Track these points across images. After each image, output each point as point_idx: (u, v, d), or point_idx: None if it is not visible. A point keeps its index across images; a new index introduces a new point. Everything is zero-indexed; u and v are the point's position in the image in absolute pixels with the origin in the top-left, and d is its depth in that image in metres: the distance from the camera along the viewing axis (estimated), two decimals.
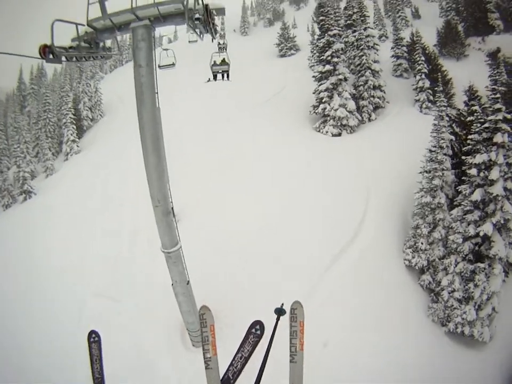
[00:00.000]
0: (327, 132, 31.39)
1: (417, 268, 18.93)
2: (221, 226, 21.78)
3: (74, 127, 44.72)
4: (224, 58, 17.44)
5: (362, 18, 37.31)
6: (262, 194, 23.70)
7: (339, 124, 31.44)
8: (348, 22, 38.71)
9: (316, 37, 47.23)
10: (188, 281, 13.79)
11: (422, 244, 18.88)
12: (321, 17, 34.46)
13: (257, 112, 35.35)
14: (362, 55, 34.70)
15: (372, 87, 33.70)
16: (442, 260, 18.43)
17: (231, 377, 4.34)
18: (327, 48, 33.06)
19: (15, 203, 37.16)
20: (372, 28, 37.81)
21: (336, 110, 31.38)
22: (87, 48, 10.16)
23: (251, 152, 28.38)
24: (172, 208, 11.80)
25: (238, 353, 4.51)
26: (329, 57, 32.71)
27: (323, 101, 32.31)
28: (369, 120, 33.06)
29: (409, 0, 66.45)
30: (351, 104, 31.88)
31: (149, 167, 10.55)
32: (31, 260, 24.14)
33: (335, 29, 33.49)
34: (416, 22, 57.42)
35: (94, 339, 5.18)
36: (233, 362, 4.48)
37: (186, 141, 31.41)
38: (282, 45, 58.76)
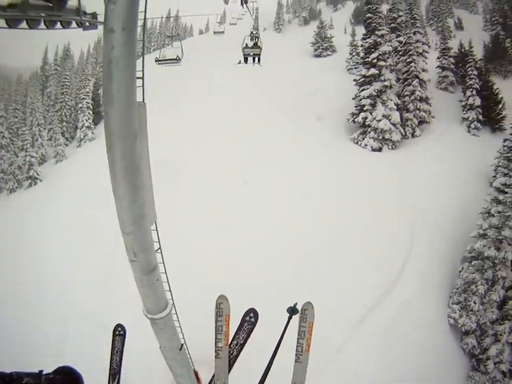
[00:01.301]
0: (366, 145, 26.34)
1: (463, 329, 15.09)
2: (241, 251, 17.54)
3: (91, 112, 40.78)
4: (256, 42, 16.68)
5: (412, 21, 32.11)
6: (285, 217, 19.46)
7: (381, 137, 26.33)
8: (392, 25, 33.48)
9: (356, 37, 42.62)
10: (182, 345, 9.30)
11: (475, 303, 14.97)
12: (368, 15, 29.12)
13: (290, 114, 30.38)
14: (410, 62, 29.44)
15: (418, 98, 28.50)
16: (493, 325, 14.89)
17: (229, 363, 3.97)
18: (373, 50, 27.96)
19: (21, 188, 33.58)
20: (421, 33, 32.31)
21: (379, 121, 26.27)
22: (45, 8, 5.37)
23: (277, 158, 24.03)
24: (162, 256, 7.06)
25: (233, 340, 4.40)
26: (374, 60, 27.57)
27: (364, 109, 27.20)
28: (413, 136, 27.87)
29: (452, 10, 60.86)
30: (396, 116, 26.77)
31: (119, 202, 5.49)
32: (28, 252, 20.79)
33: (383, 29, 28.39)
34: (459, 33, 51.72)
35: (119, 332, 5.19)
36: (230, 349, 4.19)
37: (204, 138, 27.16)
38: (318, 44, 52.74)
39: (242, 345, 4.53)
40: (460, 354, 14.99)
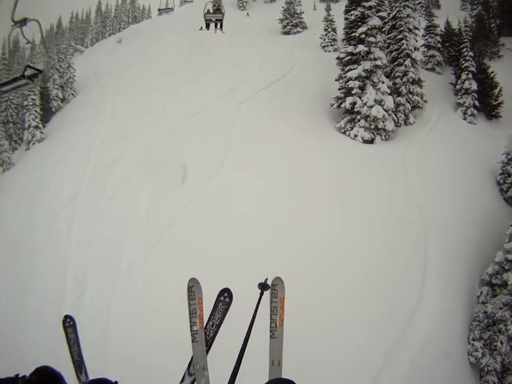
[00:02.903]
0: (356, 135, 21.58)
1: (486, 369, 12.71)
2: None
3: (38, 110, 34.14)
4: (219, 7, 16.24)
5: None
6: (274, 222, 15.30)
7: (373, 126, 21.69)
8: None
9: (331, 12, 37.81)
10: None
11: (501, 343, 12.73)
12: None
13: (259, 100, 25.08)
14: (401, 39, 24.84)
15: (411, 80, 24.10)
16: None
17: (205, 345, 3.88)
18: (360, 24, 23.02)
19: None
20: (411, 8, 27.68)
21: (370, 107, 21.53)
22: None
23: (249, 160, 19.34)
24: None
25: (209, 321, 4.05)
26: (363, 35, 22.69)
27: (352, 92, 22.30)
28: (406, 123, 23.53)
29: None
30: (389, 101, 22.10)
31: None
32: None
33: (371, 0, 23.56)
34: (436, 12, 47.91)
35: (69, 323, 4.70)
36: (206, 330, 3.94)
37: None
38: (287, 21, 47.22)
39: (218, 326, 3.88)
40: None
